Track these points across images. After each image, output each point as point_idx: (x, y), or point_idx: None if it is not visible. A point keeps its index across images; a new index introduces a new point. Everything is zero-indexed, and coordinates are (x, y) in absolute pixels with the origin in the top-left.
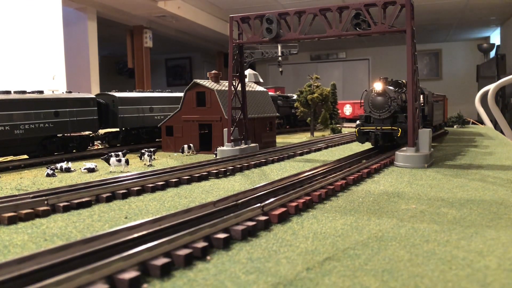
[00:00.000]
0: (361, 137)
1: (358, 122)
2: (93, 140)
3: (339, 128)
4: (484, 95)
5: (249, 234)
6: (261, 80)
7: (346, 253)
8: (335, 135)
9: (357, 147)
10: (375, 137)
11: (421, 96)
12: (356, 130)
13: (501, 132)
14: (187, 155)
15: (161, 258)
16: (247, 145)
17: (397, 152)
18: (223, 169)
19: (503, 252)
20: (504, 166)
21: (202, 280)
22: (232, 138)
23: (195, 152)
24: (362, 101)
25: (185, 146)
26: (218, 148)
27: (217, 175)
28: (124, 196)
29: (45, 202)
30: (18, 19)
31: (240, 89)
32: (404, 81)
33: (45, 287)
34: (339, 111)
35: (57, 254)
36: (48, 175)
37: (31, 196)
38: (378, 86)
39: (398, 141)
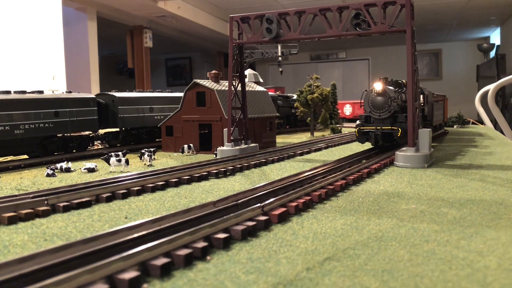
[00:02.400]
0: (361, 137)
1: (358, 122)
2: (93, 140)
3: (339, 128)
4: (484, 95)
5: (249, 234)
6: (261, 80)
7: (346, 253)
8: (335, 135)
9: (357, 147)
10: (375, 137)
11: (421, 96)
12: (356, 130)
13: (501, 132)
14: (187, 155)
15: (161, 258)
16: (247, 145)
17: (397, 152)
18: (223, 169)
19: (503, 252)
20: (504, 166)
21: (202, 280)
22: (232, 138)
23: (195, 152)
24: (362, 101)
25: (185, 146)
26: (218, 148)
27: (217, 175)
28: (124, 196)
29: (45, 202)
30: (18, 19)
31: (240, 89)
32: (404, 81)
33: (45, 287)
34: (339, 111)
35: (57, 254)
36: (48, 175)
37: (31, 196)
38: (378, 86)
39: (398, 141)
